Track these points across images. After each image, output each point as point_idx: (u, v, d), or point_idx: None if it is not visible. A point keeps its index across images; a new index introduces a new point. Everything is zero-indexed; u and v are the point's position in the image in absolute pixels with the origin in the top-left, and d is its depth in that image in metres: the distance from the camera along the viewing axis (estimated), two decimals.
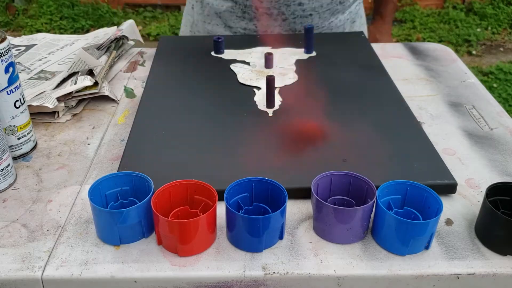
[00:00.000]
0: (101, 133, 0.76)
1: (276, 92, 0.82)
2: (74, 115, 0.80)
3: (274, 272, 0.52)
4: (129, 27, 1.04)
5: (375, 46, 1.01)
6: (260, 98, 0.80)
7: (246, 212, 0.57)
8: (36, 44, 0.99)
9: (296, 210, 0.60)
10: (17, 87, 0.67)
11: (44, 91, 0.81)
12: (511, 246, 0.53)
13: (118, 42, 0.99)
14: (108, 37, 0.98)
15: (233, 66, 0.91)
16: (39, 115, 0.78)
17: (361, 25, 1.19)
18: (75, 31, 3.57)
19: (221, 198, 0.62)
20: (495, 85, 2.80)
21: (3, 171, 0.62)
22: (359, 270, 0.52)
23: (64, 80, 0.84)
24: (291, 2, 1.05)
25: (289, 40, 1.02)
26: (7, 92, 0.66)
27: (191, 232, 0.52)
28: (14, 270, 0.53)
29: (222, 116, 0.75)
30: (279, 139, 0.71)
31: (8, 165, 0.63)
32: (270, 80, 0.76)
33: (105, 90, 0.84)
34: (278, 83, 0.84)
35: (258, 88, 0.83)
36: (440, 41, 3.32)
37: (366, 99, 0.80)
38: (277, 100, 0.79)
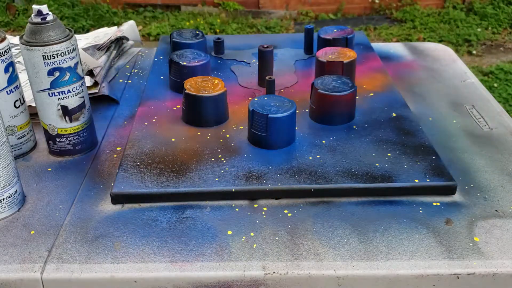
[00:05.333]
0: (101, 133, 0.76)
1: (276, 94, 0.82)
2: None
3: (274, 272, 0.52)
4: (129, 28, 1.04)
5: (375, 46, 1.01)
6: None
7: None
8: None
9: (296, 210, 0.60)
10: (16, 87, 0.67)
11: None
12: None
13: (118, 42, 1.00)
14: (109, 37, 0.98)
15: (234, 67, 0.91)
16: None
17: None
18: (76, 31, 3.56)
19: (226, 198, 0.62)
20: (495, 85, 2.80)
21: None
22: (359, 270, 0.52)
23: None
24: None
25: (289, 40, 1.02)
26: (6, 92, 0.66)
27: None
28: (14, 270, 0.53)
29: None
30: None
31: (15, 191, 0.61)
32: (270, 82, 0.76)
33: (105, 90, 0.84)
34: (278, 86, 0.84)
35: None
36: (440, 41, 3.31)
37: (365, 99, 0.80)
38: None
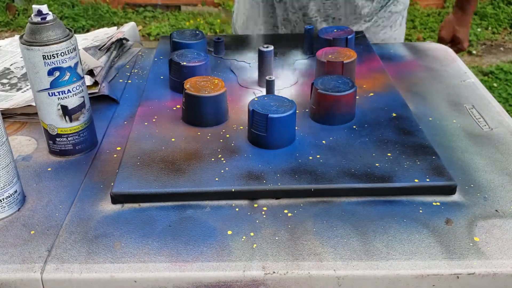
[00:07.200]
0: (101, 133, 0.76)
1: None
2: None
3: (274, 272, 0.52)
4: (130, 30, 1.04)
5: (375, 46, 1.01)
6: None
7: None
8: None
9: (296, 210, 0.60)
10: None
11: None
12: None
13: (119, 42, 1.00)
14: (109, 37, 0.98)
15: (234, 67, 0.91)
16: None
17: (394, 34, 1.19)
18: (76, 31, 3.56)
19: (226, 198, 0.62)
20: (495, 84, 2.80)
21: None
22: (359, 270, 0.52)
23: None
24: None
25: (289, 40, 1.02)
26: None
27: None
28: (14, 270, 0.53)
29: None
30: None
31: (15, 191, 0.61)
32: (270, 82, 0.76)
33: (105, 89, 0.84)
34: (278, 86, 0.84)
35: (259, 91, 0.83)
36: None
37: (365, 99, 0.80)
38: None
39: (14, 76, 0.88)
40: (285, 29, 1.13)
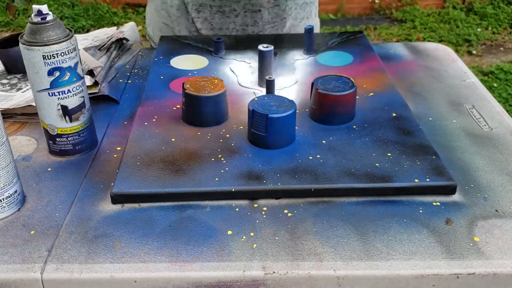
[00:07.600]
0: (101, 133, 0.76)
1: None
2: None
3: (274, 272, 0.52)
4: (130, 30, 1.04)
5: (375, 46, 1.01)
6: None
7: None
8: None
9: (296, 210, 0.60)
10: None
11: None
12: None
13: (119, 42, 1.00)
14: (109, 37, 0.98)
15: (233, 67, 0.91)
16: None
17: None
18: (76, 31, 3.56)
19: (226, 198, 0.62)
20: (495, 84, 2.80)
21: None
22: (359, 270, 0.52)
23: None
24: None
25: (289, 40, 1.02)
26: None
27: None
28: (14, 270, 0.53)
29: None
30: None
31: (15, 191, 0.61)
32: (270, 82, 0.76)
33: (105, 89, 0.84)
34: (278, 85, 0.84)
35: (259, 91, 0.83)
36: (440, 41, 3.31)
37: (365, 99, 0.80)
38: None
39: (14, 76, 0.89)
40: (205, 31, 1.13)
